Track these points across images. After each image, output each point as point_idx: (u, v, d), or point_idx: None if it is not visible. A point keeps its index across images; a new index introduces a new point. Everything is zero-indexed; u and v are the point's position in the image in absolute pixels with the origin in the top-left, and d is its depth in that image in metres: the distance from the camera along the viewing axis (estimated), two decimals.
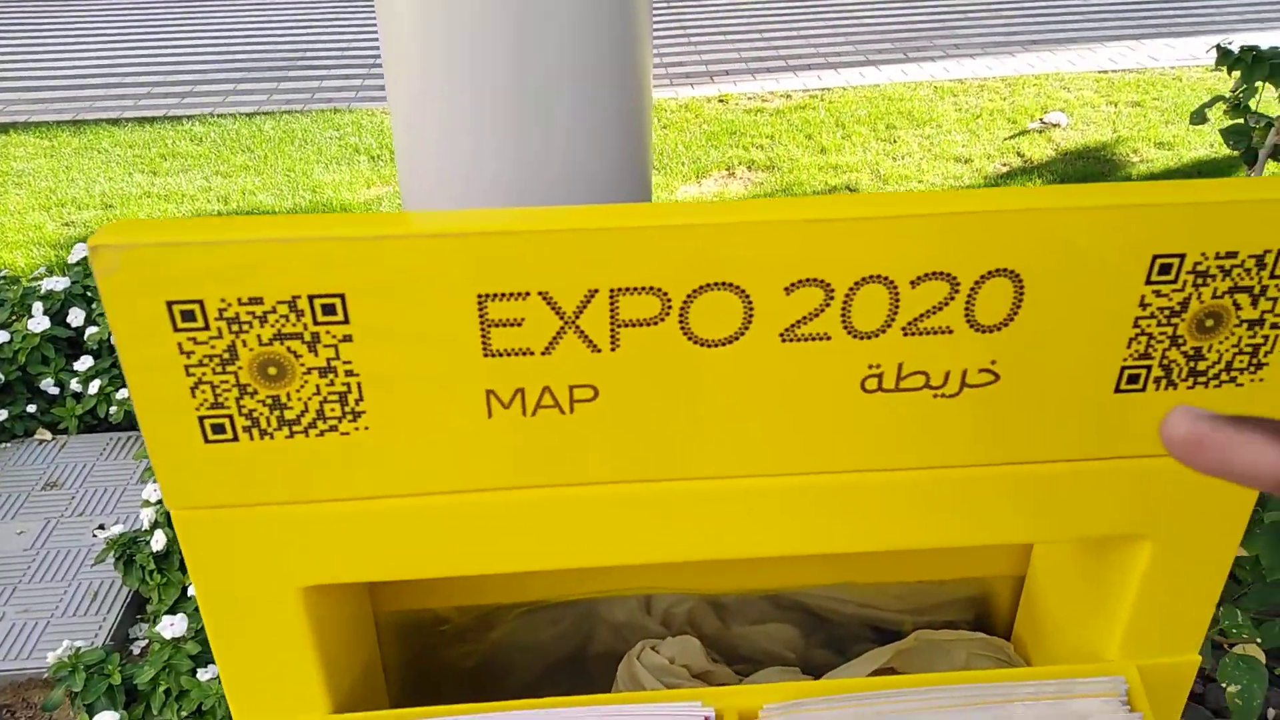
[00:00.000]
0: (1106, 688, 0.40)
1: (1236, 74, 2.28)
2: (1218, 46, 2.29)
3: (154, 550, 1.63)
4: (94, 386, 2.06)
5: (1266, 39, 2.44)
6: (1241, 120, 2.40)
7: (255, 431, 0.34)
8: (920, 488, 0.37)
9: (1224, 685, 0.96)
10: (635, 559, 0.39)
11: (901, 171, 3.48)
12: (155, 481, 1.65)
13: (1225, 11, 5.34)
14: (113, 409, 2.06)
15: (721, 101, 4.29)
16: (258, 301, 0.31)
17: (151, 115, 4.33)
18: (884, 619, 0.52)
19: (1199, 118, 2.36)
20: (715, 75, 4.66)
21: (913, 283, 0.33)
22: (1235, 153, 2.44)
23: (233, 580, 0.37)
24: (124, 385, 2.11)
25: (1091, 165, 3.47)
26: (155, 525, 1.65)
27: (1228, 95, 2.39)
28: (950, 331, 0.34)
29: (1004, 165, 3.52)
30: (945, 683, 0.40)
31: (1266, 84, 2.29)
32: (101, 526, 1.83)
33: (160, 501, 1.66)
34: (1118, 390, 0.35)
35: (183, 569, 1.65)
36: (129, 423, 2.10)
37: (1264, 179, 0.34)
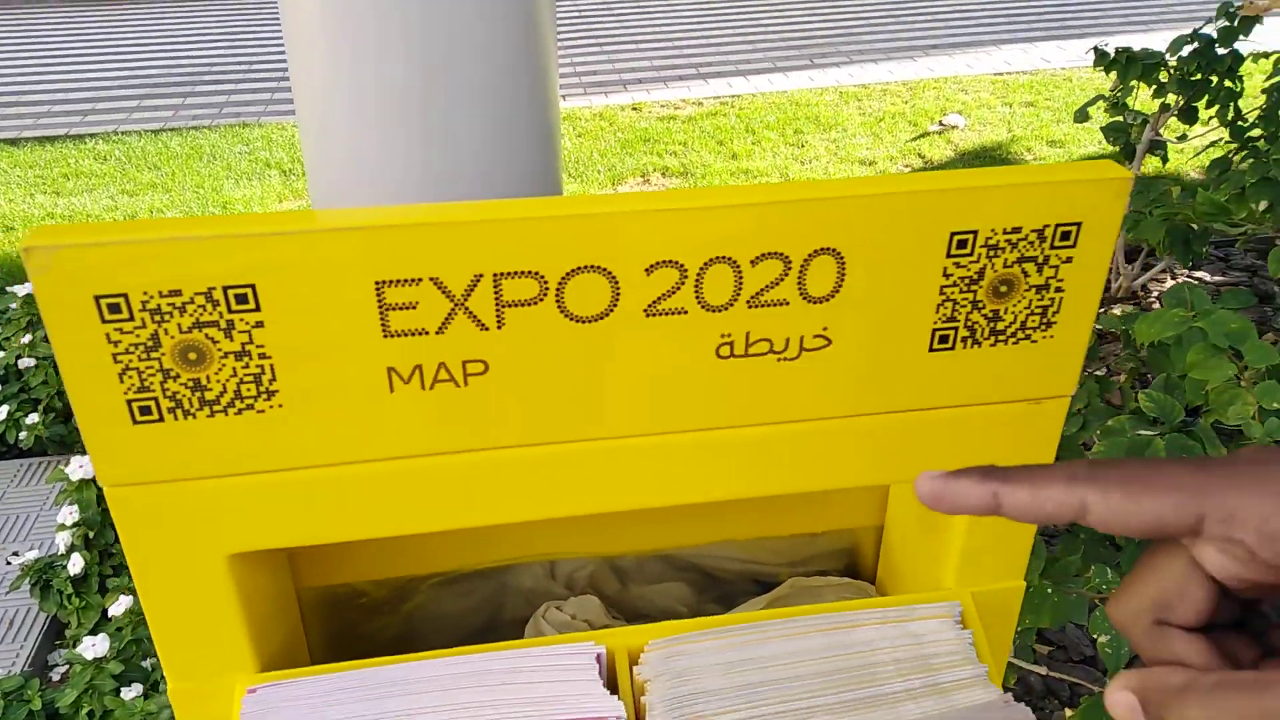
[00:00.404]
0: (943, 611, 0.46)
1: (1114, 74, 2.44)
2: (1095, 49, 2.44)
3: (72, 574, 1.61)
4: (2, 412, 2.01)
5: (1148, 40, 2.61)
6: (1120, 118, 2.55)
7: (179, 412, 0.38)
8: (771, 440, 0.43)
9: (1095, 637, 1.05)
10: (530, 516, 0.43)
11: (809, 175, 3.59)
12: (71, 505, 1.63)
13: (1111, 15, 5.63)
14: (22, 434, 2.02)
15: (635, 109, 4.37)
16: (177, 294, 0.36)
17: (52, 134, 4.21)
18: (765, 572, 0.58)
19: (1082, 116, 2.51)
20: (629, 84, 4.73)
21: (753, 262, 0.39)
22: (1116, 147, 2.60)
23: (163, 550, 0.40)
24: (33, 410, 2.06)
25: (988, 164, 3.64)
26: (72, 549, 1.63)
27: (1107, 94, 2.54)
28: (787, 304, 0.40)
29: (906, 166, 3.66)
30: (805, 613, 0.46)
31: (1140, 83, 2.44)
32: (15, 553, 1.80)
33: (76, 524, 1.64)
34: (931, 350, 0.42)
35: (102, 591, 1.64)
36: (40, 448, 2.06)
37: (1043, 165, 0.41)
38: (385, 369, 0.39)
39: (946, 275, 0.40)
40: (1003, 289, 0.41)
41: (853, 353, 0.41)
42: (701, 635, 0.45)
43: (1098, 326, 1.86)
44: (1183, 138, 2.53)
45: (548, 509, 0.43)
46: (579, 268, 0.38)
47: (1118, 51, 2.38)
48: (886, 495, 0.55)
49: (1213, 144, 2.52)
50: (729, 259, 0.39)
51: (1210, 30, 2.30)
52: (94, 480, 1.65)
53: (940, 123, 4.02)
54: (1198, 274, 2.81)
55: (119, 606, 1.49)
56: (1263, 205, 2.06)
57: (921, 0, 6.17)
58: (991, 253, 0.40)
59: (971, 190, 0.39)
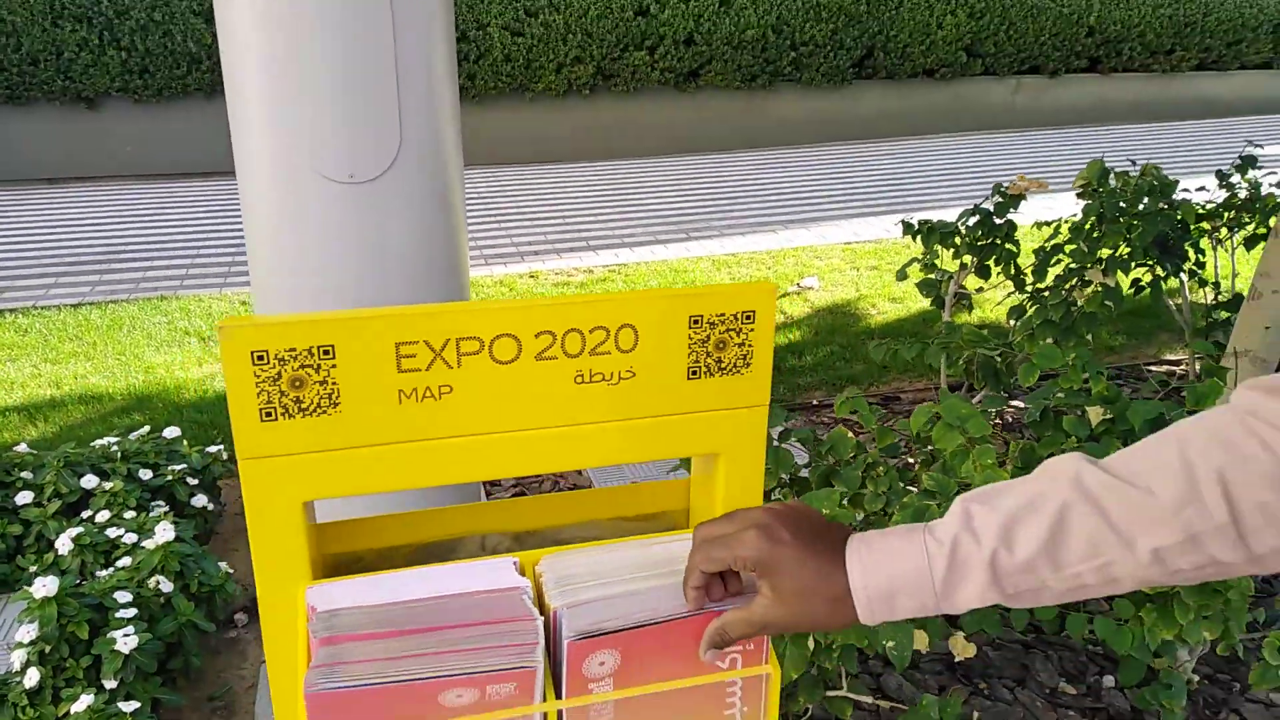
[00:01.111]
0: None
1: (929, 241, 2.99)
2: (902, 221, 3.01)
3: (27, 687, 1.78)
4: None
5: (959, 211, 3.18)
6: (931, 275, 3.10)
7: (285, 415, 0.71)
8: (608, 431, 0.78)
9: (885, 643, 1.39)
10: (476, 477, 0.77)
11: None
12: (31, 622, 1.81)
13: (942, 191, 6.51)
14: None
15: (532, 277, 4.83)
16: (293, 351, 0.70)
17: None
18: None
19: (901, 276, 3.05)
20: (525, 255, 5.23)
21: (590, 331, 0.75)
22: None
23: (269, 496, 0.72)
24: None
25: (839, 319, 4.19)
26: (27, 665, 1.81)
27: (920, 257, 3.09)
28: (609, 353, 0.76)
29: None
30: (638, 538, 0.80)
31: (942, 247, 3.00)
32: None
33: (33, 641, 1.82)
34: (688, 379, 0.79)
35: (56, 701, 1.80)
36: None
37: (735, 284, 0.79)
38: (396, 390, 0.73)
39: (690, 338, 0.78)
40: (721, 344, 0.79)
41: (647, 381, 0.78)
42: (576, 551, 0.79)
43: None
44: (979, 290, 3.09)
45: (486, 472, 0.77)
46: (500, 334, 0.74)
47: (920, 223, 2.95)
48: (689, 487, 0.90)
49: (1009, 294, 3.09)
50: (578, 330, 0.75)
51: (988, 205, 2.90)
52: (55, 598, 1.85)
53: (798, 285, 4.59)
54: (1015, 402, 3.33)
55: (80, 705, 1.67)
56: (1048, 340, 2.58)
57: (781, 182, 7.00)
58: (712, 326, 0.78)
59: (697, 295, 0.77)
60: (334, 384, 0.72)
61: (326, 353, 0.71)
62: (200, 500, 2.50)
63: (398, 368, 0.73)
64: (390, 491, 0.75)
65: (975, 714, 1.94)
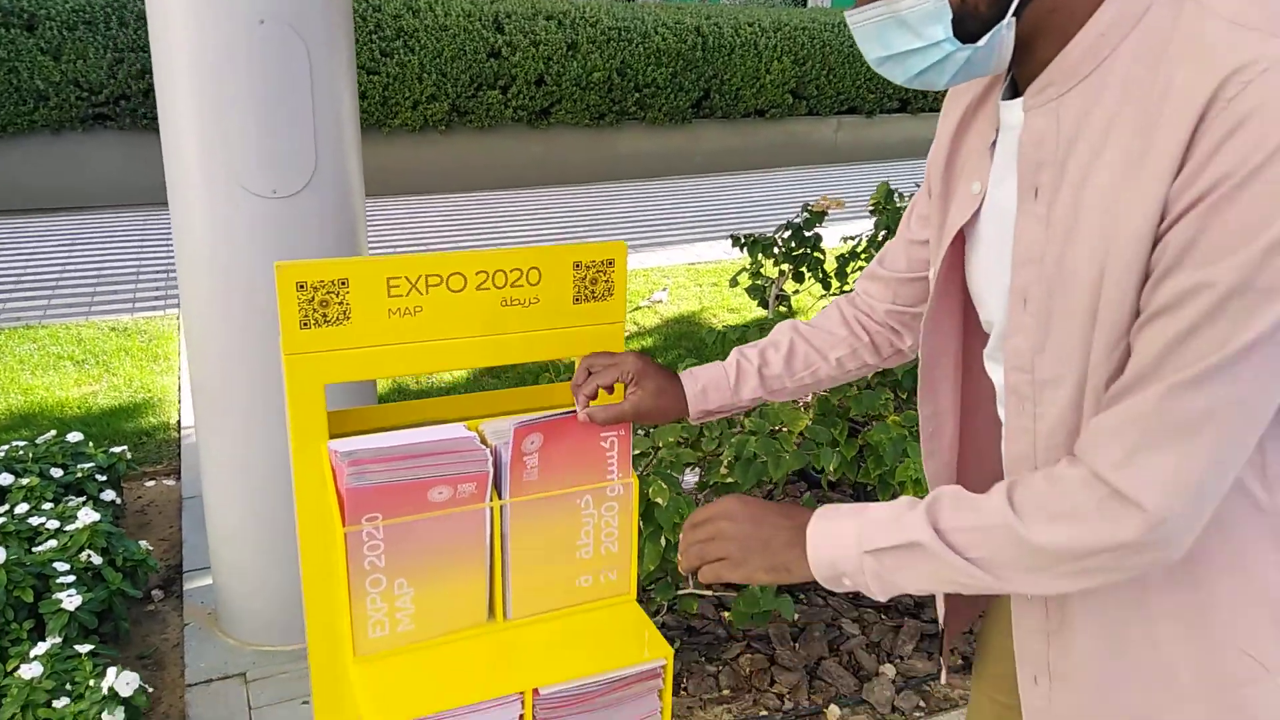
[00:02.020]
0: None
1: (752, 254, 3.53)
2: (733, 236, 3.55)
3: None
4: None
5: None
6: (757, 282, 3.65)
7: (315, 324, 1.10)
8: (523, 339, 1.21)
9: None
10: (441, 368, 1.17)
11: None
12: None
13: (775, 218, 7.22)
14: None
15: None
16: (320, 283, 1.09)
17: None
18: None
19: (733, 282, 3.59)
20: None
21: (511, 271, 1.18)
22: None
23: (303, 381, 1.11)
24: None
25: (685, 326, 4.73)
26: None
27: (747, 267, 3.64)
28: (524, 286, 1.19)
29: (626, 331, 4.67)
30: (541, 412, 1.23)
31: (764, 258, 3.55)
32: None
33: None
34: (574, 304, 1.22)
35: (3, 659, 2.02)
36: None
37: (603, 243, 1.23)
38: (387, 310, 1.13)
39: (575, 277, 1.21)
40: (594, 281, 1.23)
41: (547, 305, 1.21)
42: (504, 419, 1.21)
43: None
44: (796, 292, 3.66)
45: (444, 365, 1.18)
46: (454, 272, 1.15)
47: (746, 237, 3.50)
48: None
49: (821, 297, 3.67)
50: (503, 270, 1.17)
51: (799, 221, 3.47)
52: (4, 566, 2.07)
53: (649, 299, 5.11)
54: None
55: (40, 649, 1.92)
56: None
57: (629, 212, 7.57)
58: (588, 269, 1.22)
59: (579, 248, 1.21)
60: (347, 304, 1.11)
61: (344, 283, 1.11)
62: (109, 495, 2.73)
63: (388, 294, 1.13)
64: (382, 378, 1.15)
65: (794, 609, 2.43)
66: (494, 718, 1.11)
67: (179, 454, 3.24)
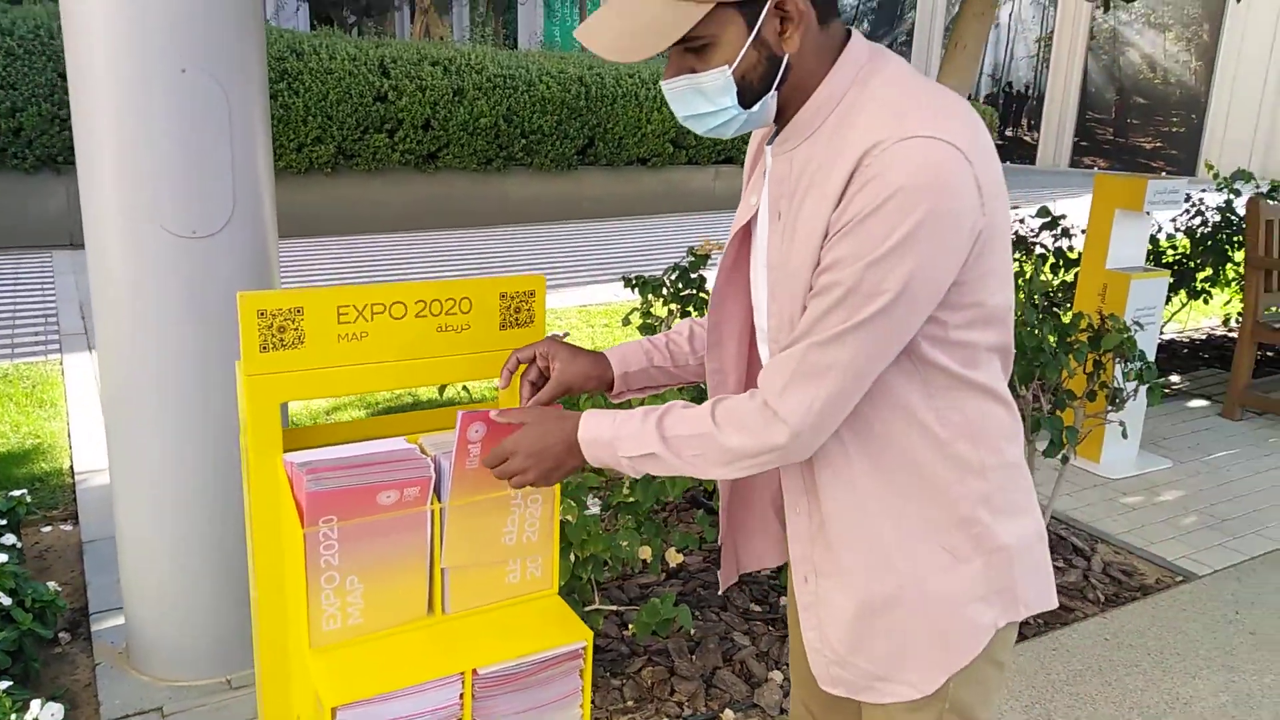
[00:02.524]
0: None
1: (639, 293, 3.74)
2: (623, 277, 3.77)
3: None
4: None
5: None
6: (648, 320, 3.87)
7: (274, 348, 1.24)
8: (453, 363, 1.37)
9: (621, 543, 2.02)
10: (387, 387, 1.32)
11: None
12: None
13: (659, 262, 7.51)
14: None
15: None
16: (279, 310, 1.23)
17: None
18: None
19: (625, 322, 3.80)
20: None
21: (446, 300, 1.34)
22: None
23: (261, 400, 1.24)
24: None
25: None
26: None
27: (638, 307, 3.86)
28: (456, 314, 1.35)
29: None
30: None
31: (654, 297, 3.77)
32: None
33: None
34: (500, 330, 1.39)
35: None
36: None
37: (525, 276, 1.41)
38: (336, 335, 1.28)
39: (501, 305, 1.38)
40: (518, 309, 1.40)
41: (478, 330, 1.37)
42: (442, 433, 1.36)
43: None
44: None
45: (387, 384, 1.33)
46: (395, 301, 1.31)
47: (636, 279, 3.72)
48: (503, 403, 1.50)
49: None
50: (439, 299, 1.34)
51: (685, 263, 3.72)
52: None
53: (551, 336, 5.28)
54: None
55: None
56: None
57: (518, 255, 7.74)
58: (512, 299, 1.39)
59: (505, 281, 1.38)
60: (302, 330, 1.26)
61: (299, 311, 1.25)
62: (9, 539, 2.69)
63: (338, 320, 1.28)
64: (332, 397, 1.29)
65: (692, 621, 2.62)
66: (438, 696, 1.25)
67: (75, 499, 3.20)
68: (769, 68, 1.02)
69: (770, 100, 1.05)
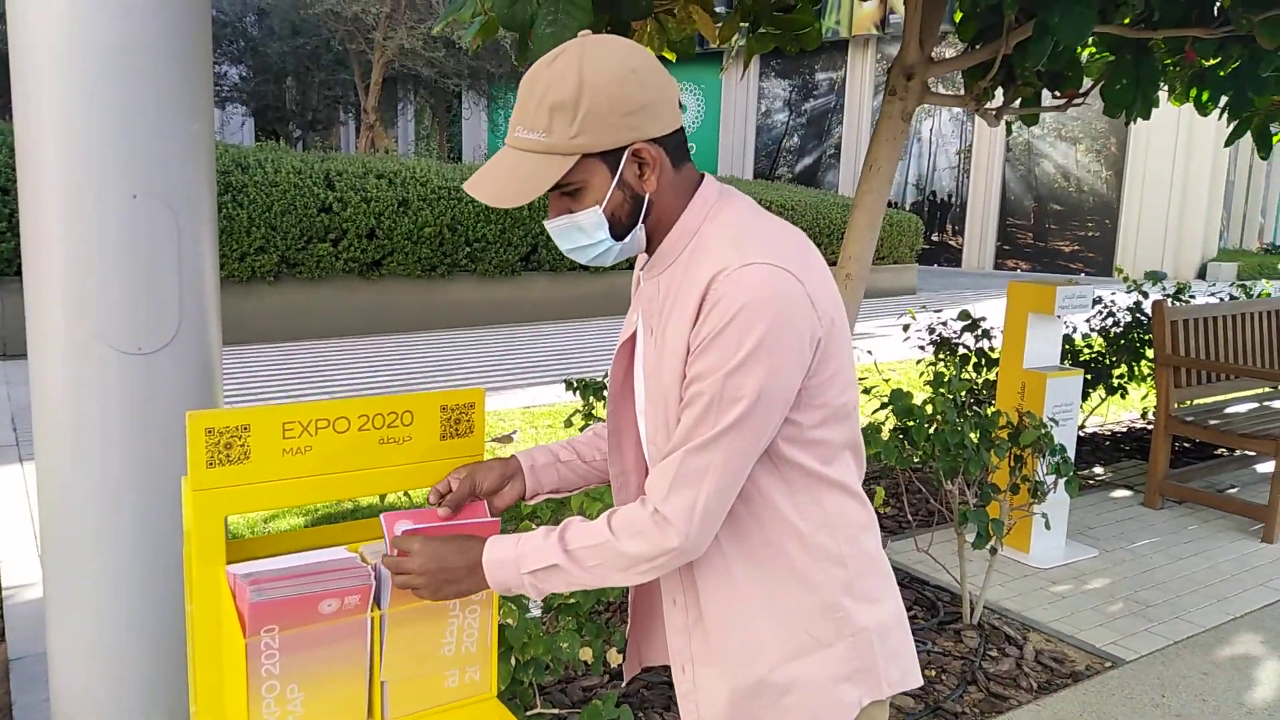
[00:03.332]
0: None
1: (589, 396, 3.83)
2: (566, 380, 3.86)
3: None
4: None
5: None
6: (589, 422, 3.95)
7: (220, 464, 1.29)
8: (395, 473, 1.43)
9: (561, 644, 2.05)
10: (327, 499, 1.38)
11: None
12: None
13: (601, 364, 7.62)
14: None
15: None
16: (227, 429, 1.29)
17: None
18: None
19: (568, 423, 3.87)
20: None
21: (388, 414, 1.41)
22: None
23: (208, 512, 1.29)
24: None
25: None
26: None
27: (580, 408, 3.94)
28: (398, 426, 1.43)
29: None
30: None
31: (595, 399, 3.86)
32: None
33: None
34: (441, 440, 1.47)
35: None
36: None
37: (465, 390, 1.49)
38: (281, 449, 1.34)
39: (441, 417, 1.46)
40: (457, 420, 1.48)
41: (419, 441, 1.44)
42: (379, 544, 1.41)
43: None
44: None
45: (330, 496, 1.38)
46: (339, 416, 1.38)
47: (578, 380, 3.82)
48: None
49: None
50: (381, 414, 1.41)
51: None
52: None
53: (499, 437, 5.32)
54: None
55: None
56: None
57: (462, 359, 7.80)
58: (452, 410, 1.47)
59: (445, 395, 1.46)
60: (248, 446, 1.32)
61: (245, 428, 1.31)
62: None
63: (283, 436, 1.34)
64: (277, 509, 1.35)
65: None
66: None
67: (1, 614, 3.11)
68: (634, 205, 1.18)
69: (639, 232, 1.21)
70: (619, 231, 1.19)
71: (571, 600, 2.28)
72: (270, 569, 1.30)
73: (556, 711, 2.38)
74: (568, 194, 1.18)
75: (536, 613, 2.59)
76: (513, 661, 2.11)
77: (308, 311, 8.77)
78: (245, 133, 19.22)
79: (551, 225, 1.21)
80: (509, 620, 2.10)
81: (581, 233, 1.19)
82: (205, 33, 2.34)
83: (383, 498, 4.30)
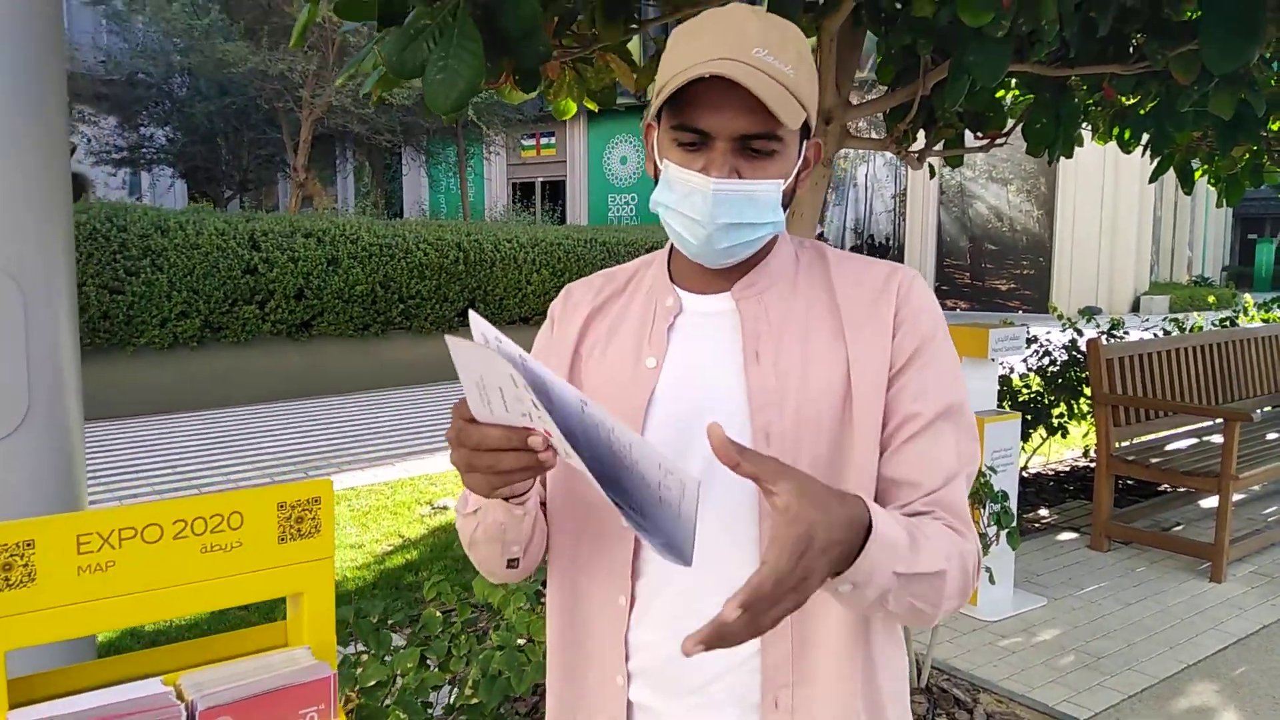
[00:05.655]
0: None
1: None
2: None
3: None
4: None
5: None
6: None
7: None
8: (223, 583, 1.23)
9: None
10: (152, 619, 1.16)
11: None
12: None
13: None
14: None
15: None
16: (5, 545, 1.08)
17: None
18: None
19: None
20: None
21: (211, 518, 1.21)
22: None
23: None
24: None
25: (454, 535, 4.70)
26: None
27: None
28: (224, 531, 1.22)
29: (389, 545, 4.57)
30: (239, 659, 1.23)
31: None
32: None
33: None
34: (279, 543, 1.26)
35: None
36: None
37: (309, 482, 1.29)
38: (76, 567, 1.12)
39: (279, 517, 1.26)
40: (300, 519, 1.28)
41: (251, 547, 1.24)
42: (206, 669, 1.20)
43: None
44: None
45: (137, 619, 1.17)
46: (149, 524, 1.17)
47: None
48: (285, 625, 1.34)
49: None
50: (203, 517, 1.21)
51: None
52: None
53: (432, 505, 5.08)
54: None
55: None
56: None
57: (398, 419, 7.53)
58: (293, 509, 1.27)
59: (283, 489, 1.26)
60: (33, 566, 1.10)
61: (29, 545, 1.10)
62: None
63: (78, 551, 1.13)
64: (68, 640, 1.13)
65: None
66: None
67: None
68: (786, 199, 1.02)
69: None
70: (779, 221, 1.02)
71: (474, 700, 2.06)
72: (60, 714, 1.08)
73: None
74: (761, 154, 0.97)
75: (440, 710, 2.36)
76: None
77: (234, 377, 8.44)
78: (176, 195, 18.84)
79: (721, 187, 0.95)
80: None
81: (753, 207, 0.97)
82: (60, 94, 2.15)
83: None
